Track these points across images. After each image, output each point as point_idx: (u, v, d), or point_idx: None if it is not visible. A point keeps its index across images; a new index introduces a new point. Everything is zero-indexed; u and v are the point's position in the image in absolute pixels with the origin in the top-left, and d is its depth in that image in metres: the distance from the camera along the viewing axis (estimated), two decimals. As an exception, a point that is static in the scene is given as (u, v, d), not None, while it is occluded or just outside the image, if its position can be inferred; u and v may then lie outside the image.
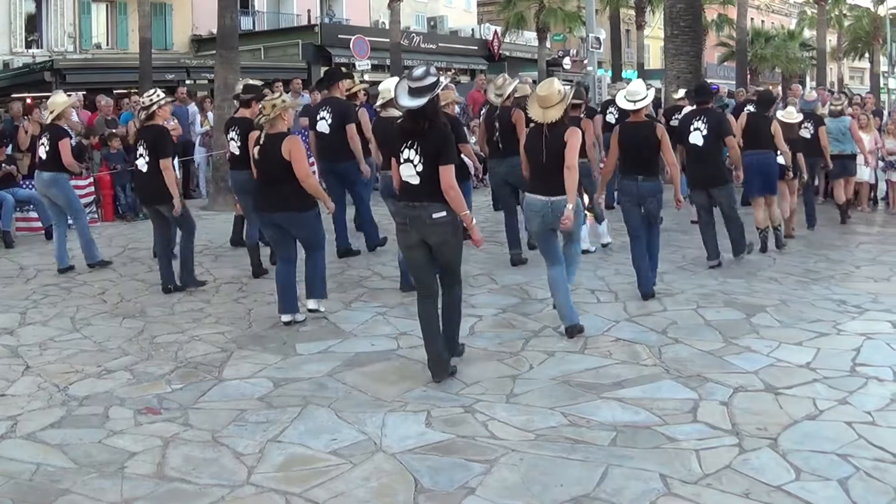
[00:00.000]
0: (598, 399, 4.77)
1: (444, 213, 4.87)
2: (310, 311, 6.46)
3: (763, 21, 51.63)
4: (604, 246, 8.93)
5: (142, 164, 7.37)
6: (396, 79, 7.49)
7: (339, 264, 8.22)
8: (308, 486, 3.79)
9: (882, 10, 44.88)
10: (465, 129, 12.01)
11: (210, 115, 13.77)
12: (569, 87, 5.86)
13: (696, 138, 7.93)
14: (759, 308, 6.66)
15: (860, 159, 11.82)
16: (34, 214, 10.42)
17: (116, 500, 3.70)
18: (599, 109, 12.08)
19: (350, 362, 5.46)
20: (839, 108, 11.71)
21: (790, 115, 9.66)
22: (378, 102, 7.68)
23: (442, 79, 4.96)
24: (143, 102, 7.46)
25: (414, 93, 4.81)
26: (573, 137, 5.65)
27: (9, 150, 10.84)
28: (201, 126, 13.95)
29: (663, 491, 3.70)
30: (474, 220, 5.04)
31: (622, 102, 7.08)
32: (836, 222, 11.08)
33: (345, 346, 5.79)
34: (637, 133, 6.89)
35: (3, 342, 6.10)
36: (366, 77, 19.47)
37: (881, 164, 12.42)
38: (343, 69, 9.94)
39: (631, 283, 7.09)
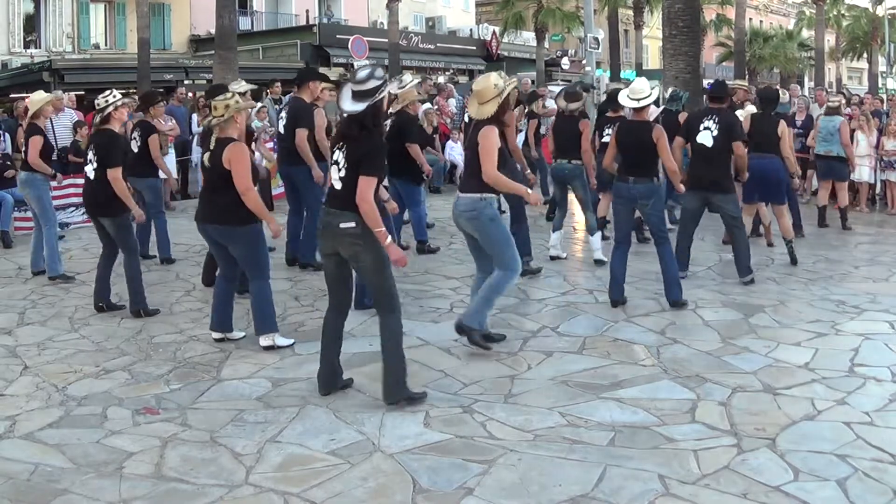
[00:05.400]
0: (597, 399, 4.78)
1: (352, 224, 4.53)
2: (264, 348, 5.75)
3: (761, 21, 51.68)
4: (596, 262, 8.27)
5: (89, 170, 6.68)
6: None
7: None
8: (306, 486, 3.79)
9: (880, 11, 44.97)
10: (457, 130, 12.00)
11: (208, 114, 13.82)
12: (511, 82, 5.48)
13: (706, 138, 7.46)
14: (758, 308, 6.67)
15: (859, 162, 11.79)
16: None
17: (114, 500, 3.70)
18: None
19: (348, 362, 5.45)
20: (836, 105, 11.59)
21: None
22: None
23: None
24: (98, 104, 6.65)
25: (356, 97, 4.53)
26: (486, 139, 5.30)
27: (8, 150, 10.83)
28: (198, 125, 13.97)
29: (661, 491, 3.70)
30: (390, 238, 4.60)
31: (624, 100, 6.88)
32: (819, 224, 10.80)
33: (342, 347, 5.77)
34: (634, 133, 6.71)
35: (1, 342, 6.09)
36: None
37: (881, 163, 12.39)
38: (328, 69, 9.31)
39: (628, 282, 7.06)
